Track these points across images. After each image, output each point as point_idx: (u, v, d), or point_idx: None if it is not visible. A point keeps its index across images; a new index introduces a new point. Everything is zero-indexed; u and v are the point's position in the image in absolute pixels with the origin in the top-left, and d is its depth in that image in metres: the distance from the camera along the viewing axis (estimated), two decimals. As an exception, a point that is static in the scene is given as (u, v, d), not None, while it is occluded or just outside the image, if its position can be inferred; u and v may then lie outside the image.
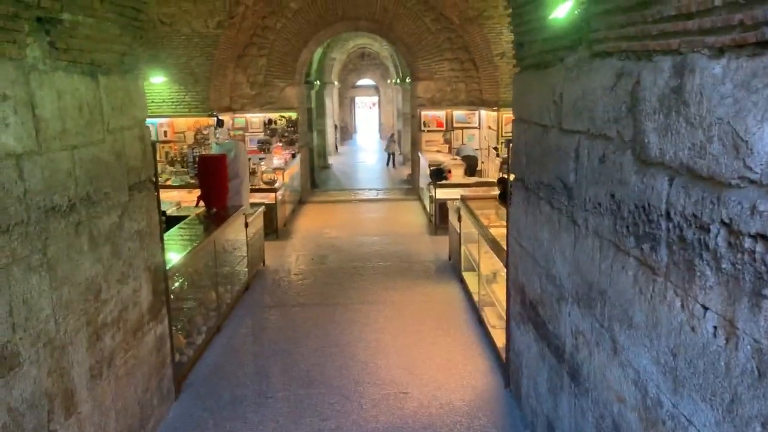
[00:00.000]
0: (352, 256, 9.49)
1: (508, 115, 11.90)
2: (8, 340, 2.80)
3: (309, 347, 6.14)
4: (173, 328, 5.65)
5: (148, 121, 11.54)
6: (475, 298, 7.00)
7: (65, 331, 3.35)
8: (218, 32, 11.31)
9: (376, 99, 38.08)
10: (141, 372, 4.43)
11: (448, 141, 13.80)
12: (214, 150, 8.06)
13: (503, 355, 5.54)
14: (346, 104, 36.41)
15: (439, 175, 10.80)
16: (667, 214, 2.28)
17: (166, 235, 6.42)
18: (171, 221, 7.21)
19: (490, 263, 6.85)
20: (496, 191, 8.72)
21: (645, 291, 2.49)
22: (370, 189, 16.48)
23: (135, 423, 4.29)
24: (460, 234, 7.94)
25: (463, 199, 8.05)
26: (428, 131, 14.04)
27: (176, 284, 5.94)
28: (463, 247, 7.89)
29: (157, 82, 11.63)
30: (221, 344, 6.27)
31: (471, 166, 12.31)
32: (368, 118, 41.32)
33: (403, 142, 22.34)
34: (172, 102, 11.94)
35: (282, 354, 6.02)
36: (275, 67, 13.62)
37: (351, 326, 6.68)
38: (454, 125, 13.80)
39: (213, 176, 7.53)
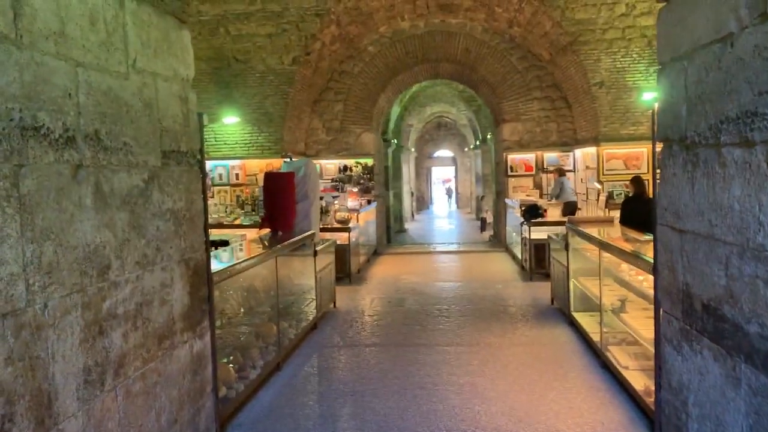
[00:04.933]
0: (434, 300, 8.26)
1: (609, 150, 10.70)
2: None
3: (386, 389, 4.90)
4: (223, 358, 4.61)
5: (221, 162, 11.07)
6: (594, 338, 5.60)
7: (44, 306, 2.34)
8: (293, 69, 10.79)
9: (452, 169, 37.53)
10: (168, 396, 3.35)
11: (538, 185, 12.55)
12: (283, 168, 7.24)
13: (646, 399, 4.13)
14: (423, 174, 36.00)
15: (533, 212, 9.53)
16: None
17: (221, 249, 5.51)
18: (233, 250, 6.32)
19: (612, 293, 5.49)
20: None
21: None
22: (450, 243, 15.31)
23: (154, 463, 3.18)
24: (567, 267, 6.61)
25: (572, 221, 6.75)
26: (515, 176, 12.86)
27: (226, 299, 4.92)
28: (572, 283, 6.53)
29: (230, 123, 11.15)
30: (280, 383, 5.13)
31: (570, 212, 10.97)
32: (444, 192, 40.87)
33: (486, 200, 21.24)
34: (245, 143, 11.40)
35: (353, 395, 4.81)
36: (352, 113, 13.01)
37: (437, 368, 5.41)
38: (546, 168, 12.55)
39: (279, 195, 6.63)
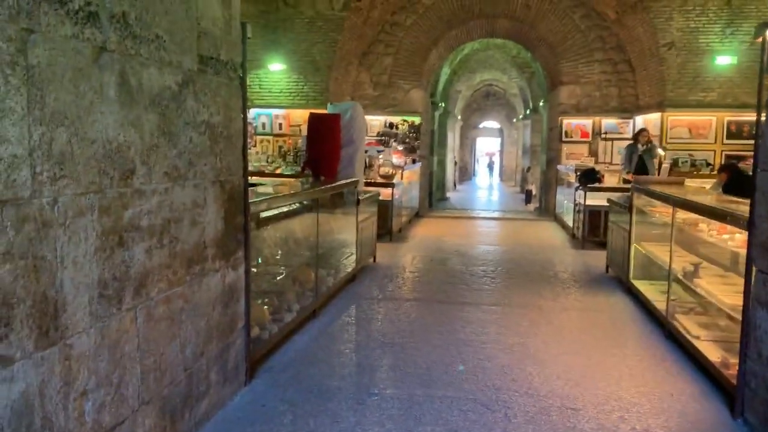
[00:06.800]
0: (479, 261, 7.84)
1: (674, 117, 9.99)
2: None
3: (429, 343, 4.54)
4: (257, 299, 4.31)
5: (264, 111, 10.74)
6: (658, 306, 5.12)
7: (54, 201, 2.02)
8: (343, 15, 10.34)
9: (498, 141, 36.69)
10: (194, 326, 3.05)
11: (594, 152, 11.89)
12: (329, 110, 6.86)
13: (723, 371, 3.67)
14: (467, 144, 35.31)
15: (590, 177, 8.96)
16: None
17: (259, 187, 5.20)
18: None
19: (680, 260, 4.98)
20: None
21: None
22: (495, 210, 14.81)
23: (176, 397, 2.88)
24: (630, 231, 6.09)
25: (639, 182, 6.20)
26: (570, 142, 12.21)
27: (263, 238, 4.61)
28: (633, 248, 6.02)
29: (276, 70, 10.81)
30: (316, 330, 4.82)
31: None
32: (486, 165, 40.12)
33: (533, 172, 20.58)
34: (290, 92, 11.05)
35: (393, 347, 4.46)
36: (401, 68, 12.49)
37: (484, 327, 5.03)
38: (603, 135, 11.85)
39: (323, 139, 6.25)
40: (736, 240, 3.96)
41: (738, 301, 3.68)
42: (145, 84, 2.53)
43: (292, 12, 10.37)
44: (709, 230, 4.45)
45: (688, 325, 4.49)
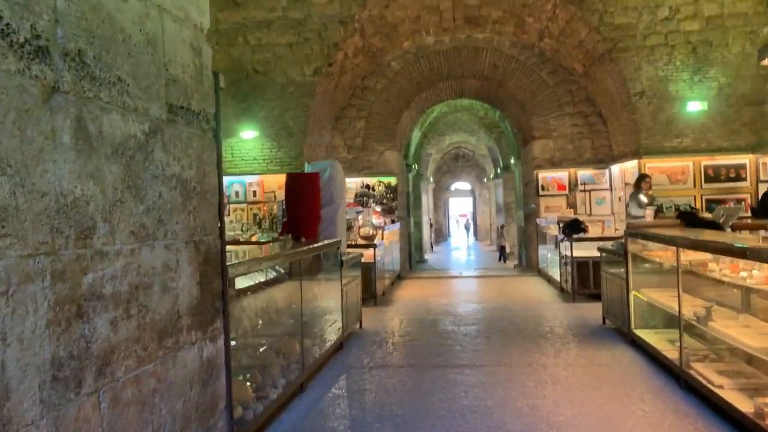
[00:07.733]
0: (471, 320, 7.48)
1: (651, 164, 9.95)
2: None
3: (431, 413, 4.13)
4: (239, 375, 3.90)
5: (237, 179, 10.46)
6: (669, 355, 4.81)
7: (-8, 265, 1.67)
8: (315, 80, 10.25)
9: (470, 201, 37.14)
10: (170, 409, 2.63)
11: (573, 205, 11.79)
12: (306, 170, 6.60)
13: (760, 422, 3.34)
14: (441, 206, 35.56)
15: (575, 228, 8.77)
16: None
17: (239, 250, 4.85)
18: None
19: (687, 304, 4.70)
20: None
21: None
22: (477, 269, 14.53)
23: (149, 497, 2.44)
24: (627, 279, 5.82)
25: (632, 227, 5.99)
26: (547, 196, 12.12)
27: (242, 307, 4.22)
28: (633, 296, 5.74)
29: (249, 138, 10.60)
30: (305, 406, 4.38)
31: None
32: (461, 226, 40.48)
33: (508, 229, 20.53)
34: (264, 159, 10.81)
35: (392, 420, 4.04)
36: (374, 130, 12.44)
37: (488, 390, 4.64)
38: (582, 187, 11.78)
39: (303, 198, 5.95)
40: (755, 277, 3.70)
41: (765, 343, 3.41)
42: (106, 131, 2.23)
43: (262, 79, 10.27)
44: (721, 270, 4.20)
45: (707, 374, 4.16)
